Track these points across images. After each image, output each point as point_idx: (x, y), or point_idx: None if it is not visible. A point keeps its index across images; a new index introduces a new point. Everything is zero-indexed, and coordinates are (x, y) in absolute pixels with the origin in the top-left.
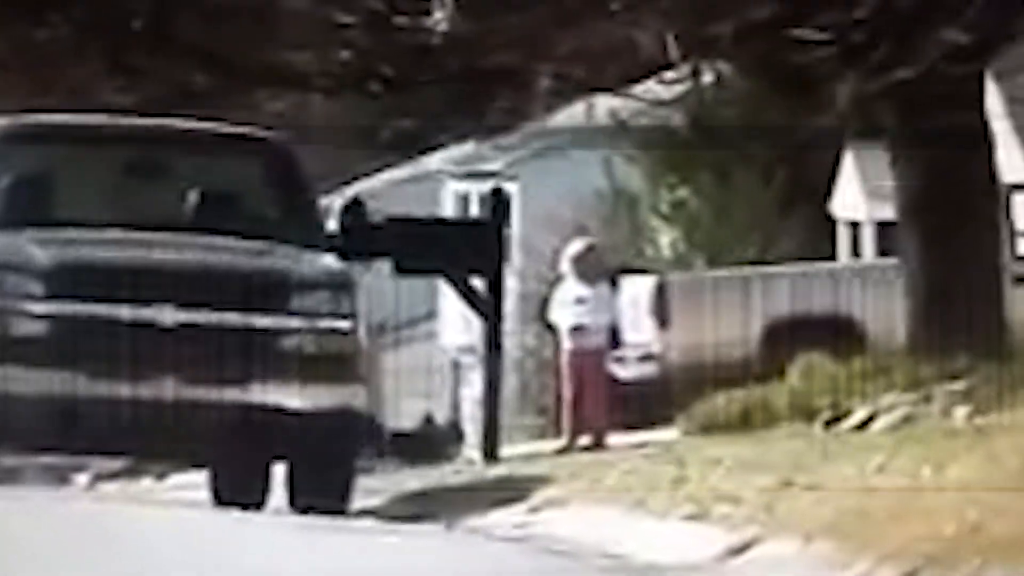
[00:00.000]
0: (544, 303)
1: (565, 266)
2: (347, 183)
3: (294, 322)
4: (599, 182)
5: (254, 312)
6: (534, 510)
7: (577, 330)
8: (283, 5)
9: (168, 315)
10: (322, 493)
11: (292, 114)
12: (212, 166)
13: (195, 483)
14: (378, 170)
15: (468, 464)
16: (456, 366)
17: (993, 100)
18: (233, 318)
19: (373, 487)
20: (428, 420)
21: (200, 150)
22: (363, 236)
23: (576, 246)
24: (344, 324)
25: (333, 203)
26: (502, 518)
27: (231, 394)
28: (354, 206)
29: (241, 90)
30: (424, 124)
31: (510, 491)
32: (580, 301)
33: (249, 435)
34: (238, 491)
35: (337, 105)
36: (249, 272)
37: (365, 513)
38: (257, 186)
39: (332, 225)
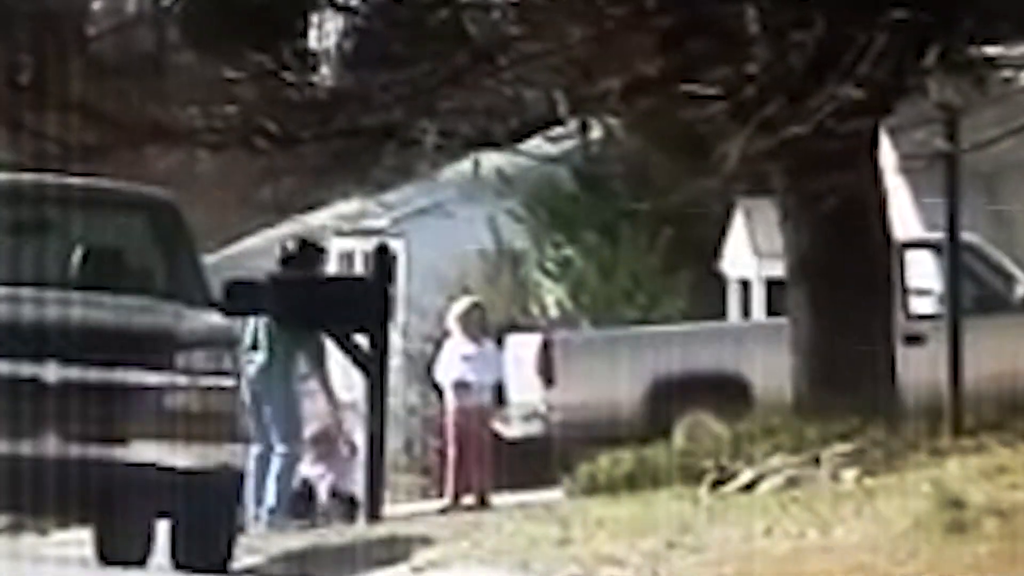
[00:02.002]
0: (430, 361)
1: (451, 324)
2: (232, 240)
3: (178, 379)
4: (484, 240)
5: (138, 369)
6: (416, 570)
7: (462, 388)
8: (169, 61)
9: (51, 372)
10: (204, 551)
11: (179, 170)
12: (97, 223)
13: (79, 540)
14: (262, 227)
15: (349, 523)
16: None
17: (887, 156)
18: (117, 375)
19: (254, 545)
20: (310, 487)
21: (85, 207)
22: (246, 293)
23: (461, 304)
24: (227, 382)
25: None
26: None
27: (114, 452)
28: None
29: (127, 146)
30: (309, 181)
31: (392, 551)
32: (465, 359)
33: (132, 493)
34: (121, 548)
35: (223, 161)
36: (133, 329)
37: (246, 572)
38: (142, 243)
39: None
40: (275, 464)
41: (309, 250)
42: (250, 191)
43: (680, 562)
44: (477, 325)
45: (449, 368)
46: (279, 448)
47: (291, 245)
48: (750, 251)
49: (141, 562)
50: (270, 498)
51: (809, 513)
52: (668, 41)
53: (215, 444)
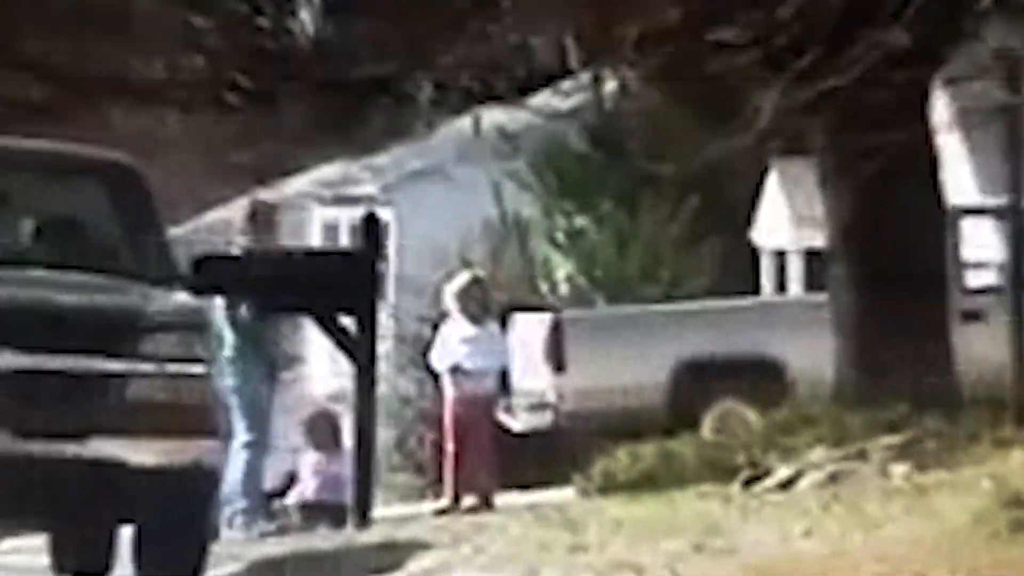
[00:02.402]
0: (425, 345)
1: (448, 302)
2: (201, 210)
3: (143, 366)
4: (487, 208)
5: (98, 356)
6: None
7: (461, 375)
8: (133, 8)
9: (1, 360)
10: (172, 560)
11: (141, 132)
12: (51, 191)
13: (34, 547)
14: (236, 195)
15: (336, 527)
16: None
17: (939, 110)
18: (74, 363)
19: (229, 553)
20: (289, 476)
21: (38, 173)
22: (219, 270)
23: (461, 280)
24: (198, 368)
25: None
26: None
27: (72, 448)
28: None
29: (86, 105)
30: (288, 142)
31: (383, 559)
32: (465, 342)
33: (91, 495)
34: (80, 557)
35: (190, 122)
36: (93, 311)
37: None
38: (102, 214)
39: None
40: (242, 460)
41: (261, 207)
42: (222, 155)
43: (707, 567)
44: (478, 304)
45: (447, 352)
46: (246, 440)
47: (244, 209)
48: (786, 219)
49: (101, 573)
50: (238, 498)
51: (854, 513)
52: None
53: (185, 439)
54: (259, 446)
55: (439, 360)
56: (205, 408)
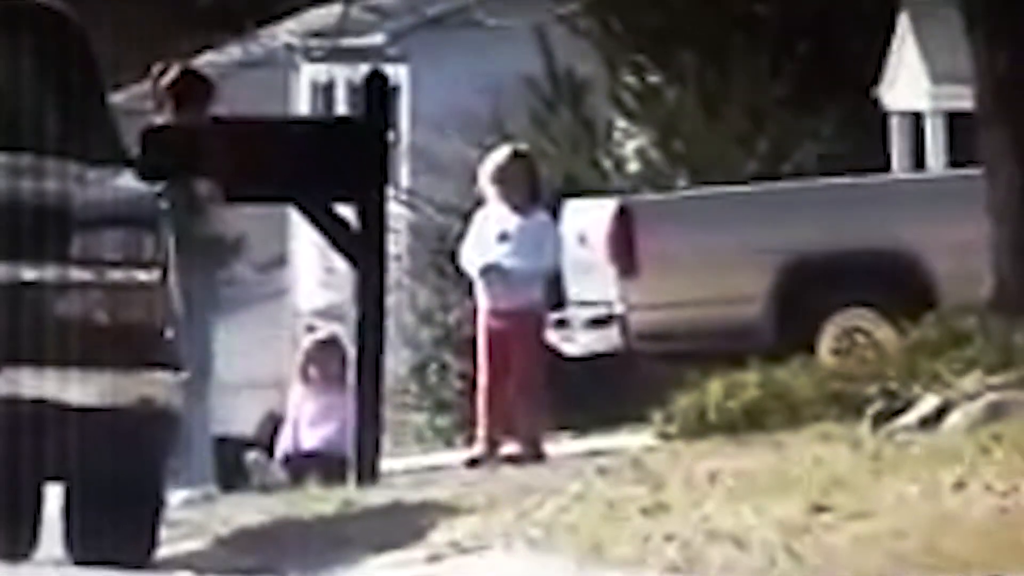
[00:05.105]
0: (452, 242)
1: (483, 186)
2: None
3: (75, 273)
4: (530, 62)
5: (16, 260)
6: (434, 559)
7: (499, 279)
8: None
9: None
10: (115, 532)
11: None
12: None
13: None
14: (199, 50)
15: (332, 484)
16: None
17: None
18: None
19: (189, 520)
20: (272, 419)
21: None
22: (175, 145)
23: (497, 156)
24: (147, 275)
25: None
26: (385, 573)
27: None
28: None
29: None
30: None
31: (396, 528)
32: (503, 238)
33: (8, 444)
34: None
35: None
36: (10, 200)
37: (177, 563)
38: (28, 76)
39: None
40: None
41: (190, 81)
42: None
43: (830, 535)
44: (522, 187)
45: (481, 251)
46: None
47: (167, 78)
48: (923, 72)
49: (25, 554)
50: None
51: (1021, 456)
52: None
53: (132, 370)
54: (204, 378)
55: (470, 261)
56: (158, 329)
